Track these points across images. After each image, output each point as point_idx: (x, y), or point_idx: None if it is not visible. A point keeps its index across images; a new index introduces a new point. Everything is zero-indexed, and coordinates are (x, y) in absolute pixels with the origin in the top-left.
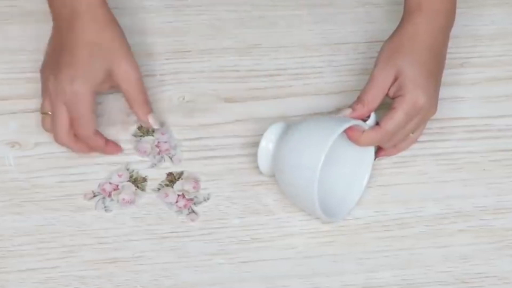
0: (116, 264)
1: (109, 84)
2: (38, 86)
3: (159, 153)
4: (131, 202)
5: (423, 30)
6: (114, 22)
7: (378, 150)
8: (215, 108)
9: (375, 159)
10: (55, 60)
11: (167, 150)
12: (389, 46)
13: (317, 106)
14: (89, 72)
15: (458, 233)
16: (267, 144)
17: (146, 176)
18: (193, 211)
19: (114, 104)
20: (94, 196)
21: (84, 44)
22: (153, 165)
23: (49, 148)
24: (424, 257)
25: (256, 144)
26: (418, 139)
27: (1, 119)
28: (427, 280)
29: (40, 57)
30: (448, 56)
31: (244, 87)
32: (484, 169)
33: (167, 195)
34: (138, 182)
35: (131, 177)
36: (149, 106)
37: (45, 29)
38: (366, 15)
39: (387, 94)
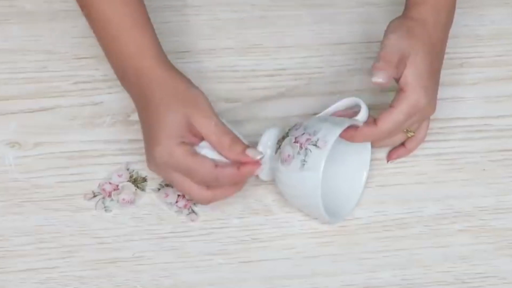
0: (116, 264)
1: (195, 133)
2: (38, 86)
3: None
4: (131, 202)
5: (430, 23)
6: (179, 73)
7: (389, 154)
8: (215, 108)
9: (387, 162)
10: (145, 135)
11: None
12: (402, 23)
13: (318, 106)
14: (170, 130)
15: (458, 233)
16: (265, 150)
17: (146, 176)
18: (193, 211)
19: (114, 104)
20: (94, 196)
21: (157, 103)
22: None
23: (49, 148)
24: (424, 257)
25: (256, 145)
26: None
27: (1, 119)
28: (427, 280)
29: (40, 57)
30: (448, 56)
31: (244, 87)
32: (484, 169)
33: (167, 195)
34: (138, 182)
35: (131, 177)
36: (239, 144)
37: (45, 29)
38: (366, 15)
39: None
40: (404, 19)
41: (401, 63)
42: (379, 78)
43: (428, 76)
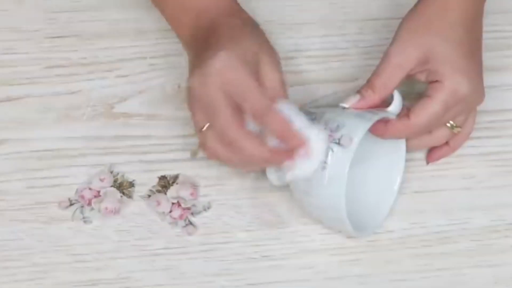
0: (97, 287)
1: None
2: (3, 71)
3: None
4: (115, 212)
5: (454, 1)
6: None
7: (430, 154)
8: None
9: (427, 163)
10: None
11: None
12: (412, 21)
13: (341, 95)
14: (237, 48)
15: (511, 250)
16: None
17: (133, 180)
18: (191, 223)
19: (95, 93)
20: (71, 204)
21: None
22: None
23: (16, 147)
24: (471, 278)
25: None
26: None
27: None
28: None
29: (5, 37)
30: (493, 35)
31: None
32: None
33: (159, 204)
34: (124, 187)
35: (115, 181)
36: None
37: (12, 2)
38: None
39: (411, 77)
40: (420, 8)
41: (422, 62)
42: (345, 104)
43: (464, 60)
